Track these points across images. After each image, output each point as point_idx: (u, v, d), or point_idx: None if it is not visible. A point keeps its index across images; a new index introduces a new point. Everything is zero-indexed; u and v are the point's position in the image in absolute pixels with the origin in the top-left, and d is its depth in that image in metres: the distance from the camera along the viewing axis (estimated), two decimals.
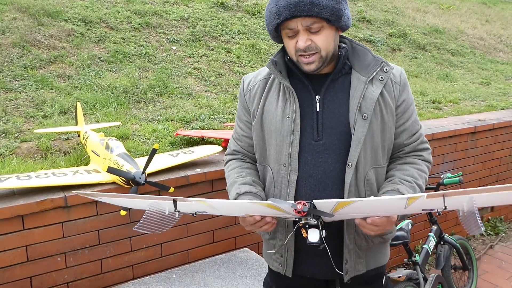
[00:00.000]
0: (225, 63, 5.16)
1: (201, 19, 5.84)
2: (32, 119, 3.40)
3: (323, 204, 1.22)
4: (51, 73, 4.04)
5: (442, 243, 3.31)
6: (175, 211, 1.31)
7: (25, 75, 3.91)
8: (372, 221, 1.29)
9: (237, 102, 4.30)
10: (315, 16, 1.35)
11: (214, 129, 3.59)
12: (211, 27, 5.75)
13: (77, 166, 2.75)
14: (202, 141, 3.29)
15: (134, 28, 5.19)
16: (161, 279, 2.46)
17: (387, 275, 2.80)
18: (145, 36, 5.15)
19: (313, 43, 1.39)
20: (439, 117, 4.61)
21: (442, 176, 3.08)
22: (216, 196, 2.72)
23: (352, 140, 1.43)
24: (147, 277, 2.50)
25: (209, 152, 2.77)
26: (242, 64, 5.25)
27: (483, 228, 1.14)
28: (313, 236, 1.27)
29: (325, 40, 1.40)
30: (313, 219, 1.26)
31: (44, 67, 4.11)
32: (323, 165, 1.45)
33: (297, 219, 1.30)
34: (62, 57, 4.30)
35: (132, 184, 2.25)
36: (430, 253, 3.24)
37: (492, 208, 4.75)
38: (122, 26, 5.13)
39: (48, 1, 5.03)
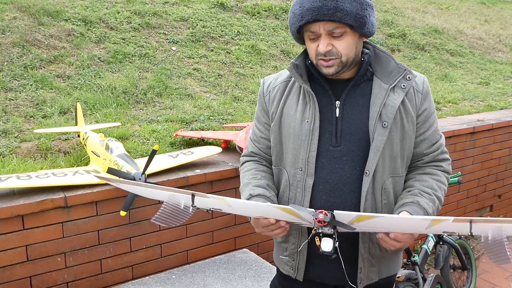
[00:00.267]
0: (225, 64, 5.17)
1: (200, 20, 5.85)
2: (32, 119, 3.40)
3: (343, 216, 1.20)
4: (51, 73, 4.04)
5: (441, 243, 3.33)
6: (191, 205, 1.30)
7: (25, 75, 3.92)
8: (395, 236, 1.27)
9: (236, 103, 4.33)
10: (338, 21, 1.33)
11: (214, 130, 3.59)
12: (210, 27, 5.75)
13: (77, 166, 2.75)
14: (202, 142, 3.29)
15: (134, 28, 5.19)
16: (161, 280, 2.47)
17: None
18: (145, 36, 5.15)
19: (334, 48, 1.38)
20: (438, 117, 4.62)
21: None
22: None
23: (371, 148, 1.41)
24: (147, 277, 2.50)
25: (209, 153, 2.78)
26: (241, 65, 5.25)
27: None
28: (327, 245, 1.26)
29: (346, 46, 1.38)
30: (330, 229, 1.25)
31: (44, 67, 4.11)
32: (340, 172, 1.44)
33: (313, 227, 1.28)
34: (62, 57, 4.30)
35: None
36: (429, 253, 3.25)
37: (491, 207, 4.76)
38: (122, 26, 5.14)
39: (48, 0, 5.03)
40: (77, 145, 3.08)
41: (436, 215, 1.34)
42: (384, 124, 1.41)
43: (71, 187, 2.30)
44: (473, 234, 1.14)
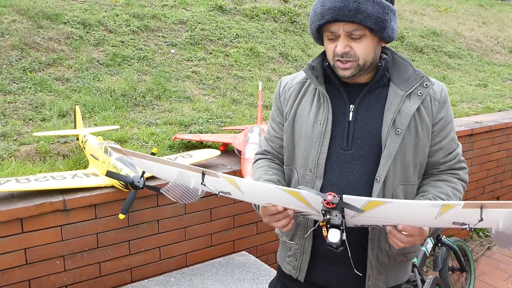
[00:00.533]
0: (223, 66, 5.18)
1: (199, 23, 5.86)
2: (31, 122, 3.41)
3: (353, 201, 1.17)
4: (50, 76, 4.05)
5: (439, 245, 3.33)
6: (201, 183, 1.27)
7: (24, 78, 3.92)
8: (403, 228, 1.22)
9: (235, 105, 4.34)
10: (358, 23, 1.33)
11: (212, 133, 3.60)
12: (209, 30, 5.77)
13: (75, 169, 2.76)
14: (200, 145, 3.30)
15: (133, 31, 5.20)
16: (160, 283, 2.47)
17: None
18: (143, 39, 5.16)
19: (352, 50, 1.36)
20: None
21: None
22: (214, 200, 2.73)
23: (383, 154, 1.39)
24: (146, 280, 2.50)
25: (207, 156, 2.78)
26: (240, 68, 5.27)
27: None
28: (334, 236, 1.21)
29: (365, 49, 1.37)
30: (337, 218, 1.20)
31: (43, 70, 4.12)
32: (348, 176, 1.43)
33: (322, 214, 1.23)
34: (61, 60, 4.31)
35: (131, 188, 2.26)
36: (428, 255, 3.25)
37: None
38: (120, 29, 5.15)
39: (47, 3, 5.04)
40: (76, 148, 3.09)
41: None
42: (398, 131, 1.40)
43: (70, 190, 2.31)
44: (483, 221, 1.09)
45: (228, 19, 6.29)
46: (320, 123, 1.46)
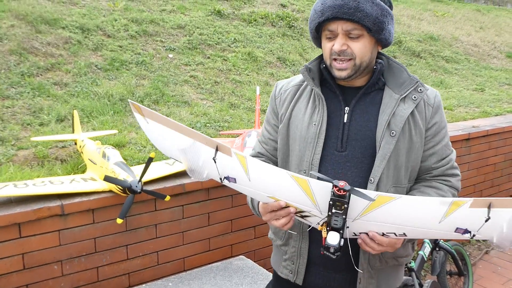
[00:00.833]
0: (221, 71, 5.19)
1: (197, 27, 5.88)
2: (29, 127, 3.41)
3: (362, 195, 1.16)
4: (48, 81, 4.06)
5: (437, 249, 3.33)
6: (213, 158, 1.25)
7: (22, 83, 3.93)
8: (373, 236, 1.26)
9: (233, 110, 4.34)
10: (357, 22, 1.35)
11: (210, 137, 3.60)
12: (207, 35, 5.79)
13: (73, 174, 2.76)
14: None
15: (131, 36, 5.22)
16: (157, 287, 2.47)
17: None
18: (142, 44, 5.17)
19: (349, 48, 1.39)
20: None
21: None
22: (212, 204, 2.74)
23: (377, 155, 1.41)
24: (143, 285, 2.50)
25: None
26: (238, 72, 5.28)
27: None
28: (333, 238, 1.20)
29: (362, 49, 1.39)
30: (338, 220, 1.19)
31: (41, 75, 4.13)
32: (343, 177, 1.44)
33: (329, 204, 1.19)
34: (59, 64, 4.32)
35: (129, 193, 2.27)
36: (426, 259, 3.25)
37: None
38: (119, 34, 5.16)
39: (45, 8, 5.06)
40: (74, 152, 3.09)
41: None
42: (392, 133, 1.41)
43: (68, 195, 2.31)
44: (490, 220, 1.07)
45: (226, 23, 6.31)
46: (315, 124, 1.47)
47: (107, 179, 2.23)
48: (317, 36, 1.49)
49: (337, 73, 1.43)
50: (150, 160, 2.20)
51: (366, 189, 1.41)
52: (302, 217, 1.35)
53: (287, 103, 1.57)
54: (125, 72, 4.55)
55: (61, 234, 2.28)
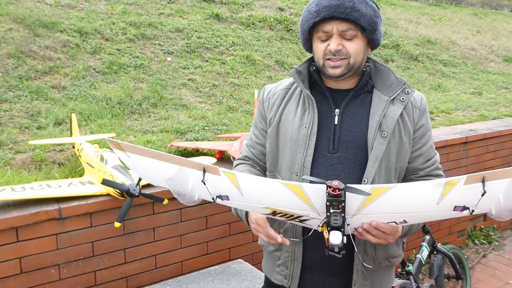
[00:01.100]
0: (220, 74, 5.20)
1: (196, 31, 5.89)
2: (26, 130, 3.40)
3: (357, 189, 1.15)
4: (46, 84, 4.05)
5: (435, 252, 3.34)
6: (202, 180, 1.24)
7: (20, 86, 3.92)
8: (377, 225, 1.25)
9: (231, 113, 4.35)
10: (352, 22, 1.37)
11: (209, 140, 3.61)
12: (205, 38, 5.79)
13: (71, 177, 2.75)
14: (197, 152, 3.31)
15: (129, 39, 5.22)
16: None
17: None
18: (140, 47, 5.18)
19: (344, 48, 1.41)
20: (431, 127, 4.65)
21: None
22: (210, 207, 2.74)
23: (370, 156, 1.42)
24: None
25: None
26: (236, 76, 5.29)
27: None
28: (336, 237, 1.18)
29: (356, 48, 1.41)
30: (338, 218, 1.18)
31: (39, 78, 4.12)
32: (335, 178, 1.44)
33: (326, 205, 1.18)
34: (57, 68, 4.32)
35: (127, 196, 2.26)
36: (424, 262, 3.26)
37: (485, 216, 4.79)
38: (117, 37, 5.16)
39: (43, 12, 5.06)
40: (72, 156, 3.08)
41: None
42: (384, 134, 1.43)
43: (66, 199, 2.30)
44: (486, 193, 1.08)
45: (224, 27, 6.32)
46: (305, 126, 1.48)
47: (105, 182, 2.23)
48: (308, 38, 1.49)
49: (331, 71, 1.44)
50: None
51: None
52: (301, 221, 1.35)
53: (276, 106, 1.57)
54: (123, 75, 4.55)
55: (58, 238, 2.27)
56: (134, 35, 5.30)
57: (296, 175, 1.47)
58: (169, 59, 5.17)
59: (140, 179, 2.26)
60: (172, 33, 5.69)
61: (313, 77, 1.52)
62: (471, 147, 4.32)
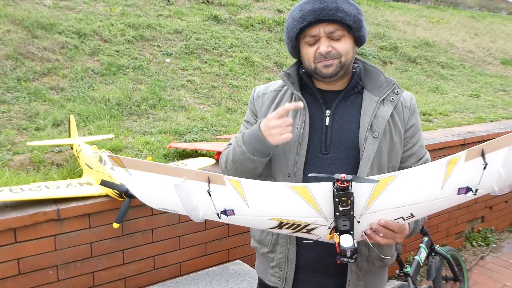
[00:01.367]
0: (218, 75, 5.20)
1: (194, 32, 5.90)
2: (25, 131, 3.40)
3: (365, 180, 1.14)
4: (44, 85, 4.05)
5: (433, 254, 3.34)
6: (208, 191, 1.20)
7: (18, 87, 3.92)
8: (385, 223, 1.24)
9: (229, 114, 4.35)
10: (339, 23, 1.39)
11: (207, 141, 3.61)
12: (204, 40, 5.80)
13: (70, 178, 2.75)
14: (195, 153, 3.31)
15: (128, 40, 5.22)
16: None
17: None
18: (138, 48, 5.18)
19: (334, 49, 1.41)
20: (430, 129, 4.67)
21: None
22: None
23: (362, 157, 1.43)
24: None
25: (202, 165, 2.79)
26: (235, 77, 5.29)
27: None
28: (347, 241, 1.16)
29: (345, 47, 1.42)
30: (346, 222, 1.16)
31: (37, 79, 4.12)
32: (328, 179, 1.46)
33: (334, 202, 1.15)
34: (55, 69, 4.32)
35: (125, 197, 2.26)
36: (422, 264, 3.26)
37: (483, 218, 4.80)
38: (116, 38, 5.17)
39: (42, 13, 5.06)
40: (70, 157, 3.08)
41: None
42: (375, 134, 1.44)
43: (64, 200, 2.30)
44: (487, 166, 1.09)
45: (223, 28, 6.33)
46: (297, 128, 1.48)
47: (104, 183, 2.23)
48: (295, 44, 1.50)
49: (324, 71, 1.44)
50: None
51: None
52: (308, 231, 1.31)
53: (266, 106, 1.58)
54: (122, 76, 4.55)
55: (57, 239, 2.27)
56: (133, 37, 5.31)
57: (289, 176, 1.48)
58: (167, 60, 5.17)
59: None
60: (171, 34, 5.69)
61: (303, 79, 1.53)
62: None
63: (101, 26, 5.28)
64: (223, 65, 5.45)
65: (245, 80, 5.30)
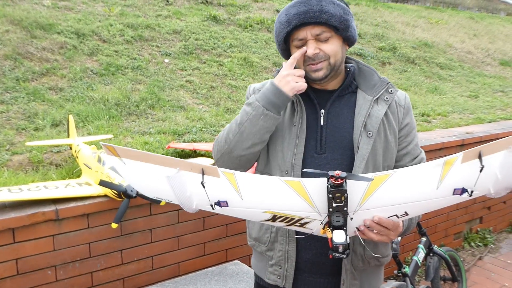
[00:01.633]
0: (217, 76, 5.21)
1: (193, 32, 5.90)
2: (23, 132, 3.40)
3: (360, 177, 1.14)
4: (43, 86, 4.05)
5: (431, 254, 3.35)
6: (201, 183, 1.20)
7: (17, 87, 3.92)
8: (379, 220, 1.23)
9: (228, 115, 4.35)
10: (324, 24, 1.39)
11: (206, 141, 3.61)
12: (203, 40, 5.80)
13: (68, 179, 2.75)
14: (194, 153, 3.31)
15: (127, 41, 5.22)
16: None
17: None
18: (137, 49, 5.18)
19: (321, 51, 1.42)
20: (428, 130, 4.68)
21: None
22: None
23: (356, 156, 1.43)
24: None
25: None
26: (234, 77, 5.30)
27: None
28: (339, 236, 1.16)
29: (333, 48, 1.43)
30: (339, 218, 1.16)
31: (36, 80, 4.12)
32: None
33: (328, 198, 1.15)
34: (54, 69, 4.32)
35: (124, 197, 2.26)
36: (420, 264, 3.27)
37: (481, 219, 4.81)
38: (114, 39, 5.17)
39: (41, 13, 5.06)
40: (69, 157, 3.08)
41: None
42: (369, 133, 1.45)
43: (63, 200, 2.30)
44: (484, 168, 1.09)
45: (222, 29, 6.33)
46: (295, 125, 1.49)
47: (103, 183, 2.23)
48: (285, 48, 1.51)
49: (314, 75, 1.45)
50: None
51: None
52: (302, 225, 1.31)
53: None
54: (120, 77, 4.55)
55: (55, 239, 2.27)
56: (132, 37, 5.31)
57: (287, 173, 1.48)
58: (166, 60, 5.17)
59: None
60: (170, 35, 5.70)
61: None
62: (467, 149, 4.33)
63: (100, 26, 5.27)
64: (222, 65, 5.46)
65: (244, 80, 5.31)
